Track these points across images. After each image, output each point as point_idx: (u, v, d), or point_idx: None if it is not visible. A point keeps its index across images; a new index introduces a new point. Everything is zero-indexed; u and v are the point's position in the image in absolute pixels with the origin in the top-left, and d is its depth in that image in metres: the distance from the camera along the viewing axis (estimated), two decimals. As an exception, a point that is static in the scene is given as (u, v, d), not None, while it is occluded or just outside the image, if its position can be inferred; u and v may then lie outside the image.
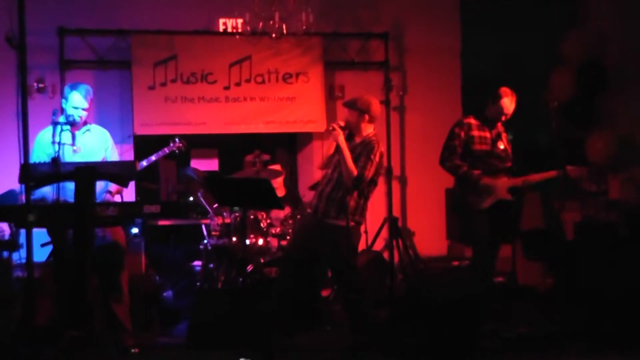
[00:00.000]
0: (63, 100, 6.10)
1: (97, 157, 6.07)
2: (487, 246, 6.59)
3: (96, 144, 6.17)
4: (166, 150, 7.15)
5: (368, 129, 6.17)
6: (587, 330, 6.37)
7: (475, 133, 6.62)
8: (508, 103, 6.59)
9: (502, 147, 6.66)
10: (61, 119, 6.00)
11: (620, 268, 6.86)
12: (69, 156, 5.93)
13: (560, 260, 7.73)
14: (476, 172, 6.51)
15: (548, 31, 9.55)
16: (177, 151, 7.33)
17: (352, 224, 6.00)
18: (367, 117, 6.14)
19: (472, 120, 6.67)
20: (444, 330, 5.55)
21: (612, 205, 8.65)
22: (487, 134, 6.65)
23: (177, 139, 7.29)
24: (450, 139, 6.67)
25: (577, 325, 6.53)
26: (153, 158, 7.01)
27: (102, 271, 5.96)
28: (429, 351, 5.52)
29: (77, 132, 6.10)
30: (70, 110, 6.03)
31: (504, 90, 6.63)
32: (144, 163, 6.94)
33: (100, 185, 5.94)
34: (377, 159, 6.05)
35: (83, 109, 6.06)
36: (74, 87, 6.07)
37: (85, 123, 6.15)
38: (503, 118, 6.66)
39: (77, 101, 6.02)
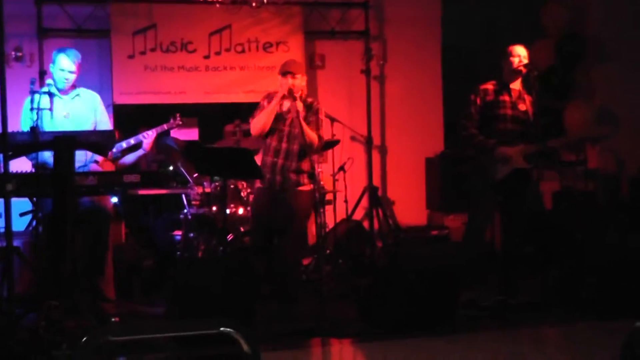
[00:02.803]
0: (51, 65, 6.15)
1: (87, 122, 6.16)
2: (485, 219, 6.57)
3: (86, 109, 6.24)
4: (165, 126, 7.00)
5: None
6: (564, 297, 6.44)
7: (492, 97, 6.44)
8: (518, 50, 6.44)
9: (523, 108, 6.46)
10: (48, 82, 6.06)
11: (598, 236, 6.93)
12: (59, 122, 5.99)
13: (539, 229, 7.79)
14: (491, 141, 6.35)
15: (528, 0, 9.56)
16: (174, 127, 7.20)
17: (311, 187, 6.20)
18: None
19: (490, 86, 6.49)
20: (422, 299, 5.59)
21: (590, 175, 8.72)
22: (507, 97, 6.44)
23: (178, 115, 7.06)
24: (466, 107, 6.51)
25: (554, 293, 6.61)
26: (150, 133, 6.91)
27: (88, 233, 6.11)
28: (407, 320, 5.56)
29: (66, 97, 6.15)
30: (57, 74, 6.09)
31: (509, 47, 6.56)
32: (140, 137, 6.87)
33: (87, 155, 6.00)
34: (323, 118, 6.31)
35: (70, 72, 6.10)
36: (62, 50, 6.14)
37: (74, 87, 6.21)
38: (522, 68, 6.43)
39: (64, 64, 6.08)
